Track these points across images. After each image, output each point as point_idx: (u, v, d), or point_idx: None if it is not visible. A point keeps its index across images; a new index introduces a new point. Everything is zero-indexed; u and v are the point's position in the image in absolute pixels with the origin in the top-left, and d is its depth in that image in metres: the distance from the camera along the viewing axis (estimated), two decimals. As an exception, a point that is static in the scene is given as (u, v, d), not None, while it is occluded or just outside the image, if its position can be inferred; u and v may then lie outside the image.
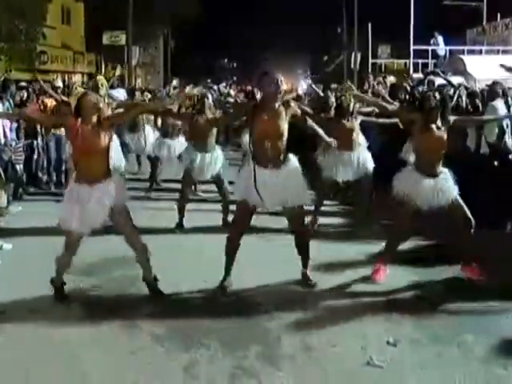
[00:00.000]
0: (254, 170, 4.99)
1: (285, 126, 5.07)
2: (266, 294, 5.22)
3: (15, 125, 8.88)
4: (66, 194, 4.93)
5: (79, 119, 4.78)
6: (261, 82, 5.13)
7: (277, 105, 5.06)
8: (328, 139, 5.57)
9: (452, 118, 5.42)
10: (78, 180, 4.82)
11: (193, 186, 8.59)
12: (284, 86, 5.18)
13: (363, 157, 7.49)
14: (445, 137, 5.38)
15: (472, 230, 5.39)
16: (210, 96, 7.67)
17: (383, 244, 5.73)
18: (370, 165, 7.50)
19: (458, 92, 8.48)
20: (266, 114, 5.01)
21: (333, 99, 8.19)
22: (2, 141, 8.36)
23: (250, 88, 16.92)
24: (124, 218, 4.95)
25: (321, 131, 5.52)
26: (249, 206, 5.11)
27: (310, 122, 5.44)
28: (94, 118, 4.80)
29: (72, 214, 4.75)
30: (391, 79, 13.07)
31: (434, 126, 5.35)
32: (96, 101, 4.82)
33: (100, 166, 4.83)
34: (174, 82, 15.32)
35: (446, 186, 5.38)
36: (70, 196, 4.83)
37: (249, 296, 5.18)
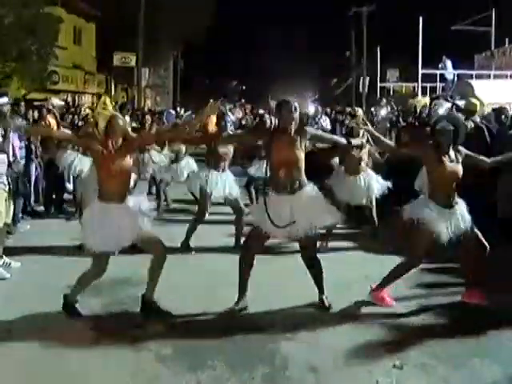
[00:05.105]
0: (265, 198, 5.07)
1: (301, 153, 5.09)
2: (273, 315, 5.20)
3: (24, 143, 8.93)
4: (87, 215, 5.07)
5: (108, 141, 4.93)
6: (278, 110, 5.15)
7: (292, 132, 5.07)
8: (343, 142, 5.60)
9: (464, 153, 5.36)
10: (102, 199, 4.95)
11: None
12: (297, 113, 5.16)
13: (370, 182, 7.72)
14: (458, 168, 5.30)
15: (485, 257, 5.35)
16: (230, 114, 7.58)
17: (391, 266, 5.70)
18: (376, 189, 7.73)
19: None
20: (283, 142, 5.04)
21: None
22: (12, 158, 8.41)
23: (261, 111, 17.00)
24: (148, 235, 5.04)
25: (336, 137, 5.92)
26: (262, 233, 5.12)
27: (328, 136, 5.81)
28: (120, 140, 4.96)
29: (95, 234, 4.85)
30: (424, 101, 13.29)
31: (446, 158, 5.28)
32: (123, 123, 5.02)
33: (123, 186, 4.98)
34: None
35: (460, 216, 5.31)
36: (93, 216, 4.96)
37: (255, 317, 5.16)
